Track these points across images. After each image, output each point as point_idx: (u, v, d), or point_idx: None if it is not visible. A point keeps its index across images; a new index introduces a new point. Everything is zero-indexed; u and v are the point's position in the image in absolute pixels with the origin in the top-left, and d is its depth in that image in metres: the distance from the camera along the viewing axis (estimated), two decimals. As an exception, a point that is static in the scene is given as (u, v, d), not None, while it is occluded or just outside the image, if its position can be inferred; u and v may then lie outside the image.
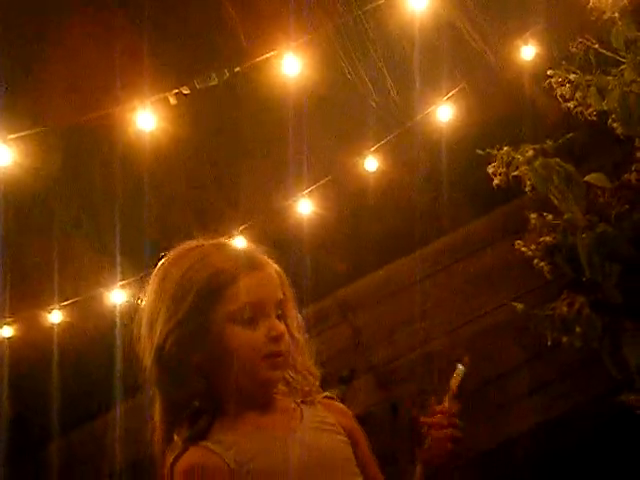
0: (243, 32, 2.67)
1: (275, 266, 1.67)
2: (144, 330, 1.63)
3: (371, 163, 3.22)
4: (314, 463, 1.61)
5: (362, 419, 4.21)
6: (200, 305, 1.57)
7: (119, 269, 3.49)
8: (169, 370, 1.58)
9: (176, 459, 1.53)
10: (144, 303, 1.65)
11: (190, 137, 2.90)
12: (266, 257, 1.67)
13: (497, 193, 2.64)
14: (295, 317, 1.70)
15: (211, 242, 1.68)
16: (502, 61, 2.99)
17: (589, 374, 3.68)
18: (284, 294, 1.66)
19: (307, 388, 1.71)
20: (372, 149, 3.17)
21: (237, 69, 2.48)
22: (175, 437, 1.58)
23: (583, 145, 2.56)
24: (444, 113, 3.12)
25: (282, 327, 1.61)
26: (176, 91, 2.49)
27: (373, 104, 2.74)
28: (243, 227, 3.24)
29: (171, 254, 1.67)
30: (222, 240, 1.71)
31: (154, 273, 1.66)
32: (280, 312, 1.64)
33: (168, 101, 2.49)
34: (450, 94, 3.06)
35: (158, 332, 1.58)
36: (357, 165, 3.20)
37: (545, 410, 4.06)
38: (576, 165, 2.52)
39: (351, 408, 4.32)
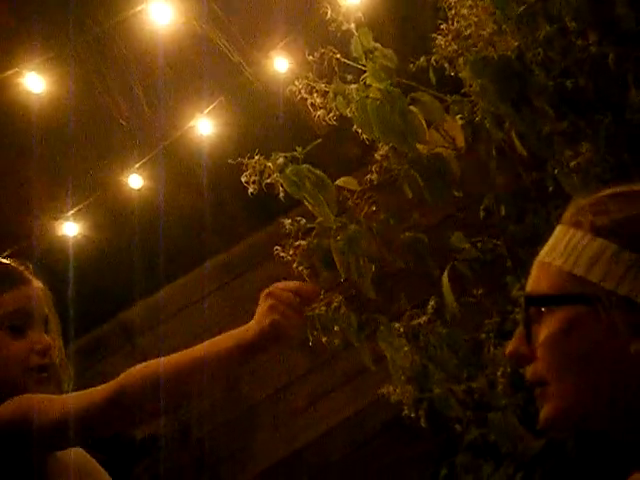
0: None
1: (39, 283, 1.65)
2: None
3: (135, 180, 3.19)
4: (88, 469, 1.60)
5: (152, 440, 4.16)
6: None
7: None
8: None
9: None
10: None
11: None
12: (30, 274, 1.65)
13: (277, 203, 2.67)
14: (58, 340, 1.68)
15: None
16: (257, 73, 3.04)
17: (369, 378, 3.80)
18: (49, 312, 1.64)
19: None
20: (136, 166, 3.14)
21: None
22: None
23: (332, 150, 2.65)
24: (205, 127, 3.14)
25: (49, 340, 1.58)
26: None
27: (123, 122, 2.72)
28: (6, 253, 3.13)
29: None
30: None
31: None
32: (48, 330, 1.61)
33: None
34: (209, 108, 3.08)
35: None
36: (121, 183, 3.16)
37: (328, 417, 4.16)
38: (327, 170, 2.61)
39: (141, 430, 4.24)
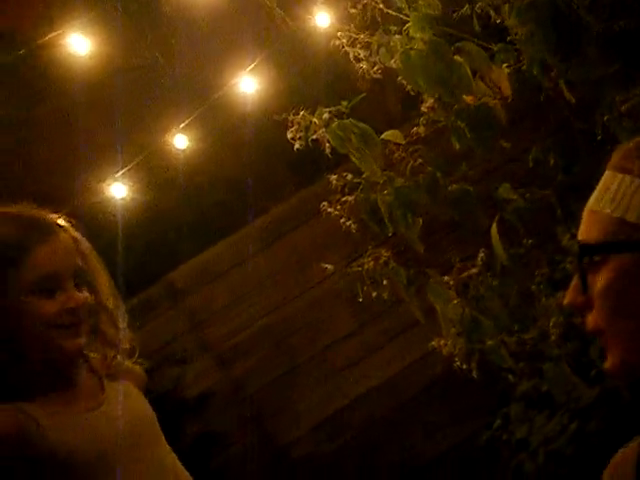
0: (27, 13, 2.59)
1: (71, 231, 1.63)
2: None
3: (180, 140, 3.18)
4: (125, 436, 1.60)
5: (204, 398, 4.21)
6: None
7: None
8: None
9: None
10: None
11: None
12: (59, 223, 1.62)
13: (323, 161, 2.66)
14: (103, 283, 1.67)
15: None
16: (300, 29, 3.01)
17: (418, 333, 3.79)
18: (84, 260, 1.63)
19: (109, 360, 1.69)
20: (180, 126, 3.13)
21: (22, 51, 2.41)
22: None
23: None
24: (248, 85, 3.12)
25: (79, 297, 1.58)
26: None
27: (168, 80, 2.71)
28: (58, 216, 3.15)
29: None
30: (10, 208, 1.63)
31: None
32: (81, 280, 1.60)
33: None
34: (252, 65, 3.06)
35: None
36: (166, 144, 3.15)
37: (378, 372, 4.17)
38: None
39: (192, 388, 4.29)
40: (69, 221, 1.65)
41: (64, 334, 1.57)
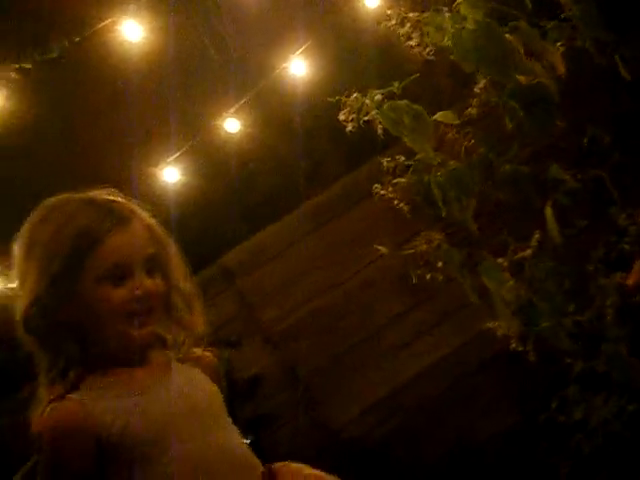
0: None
1: (145, 218, 1.62)
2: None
3: (232, 124, 3.20)
4: (183, 417, 1.61)
5: (256, 381, 4.22)
6: (68, 269, 1.54)
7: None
8: (37, 334, 1.56)
9: (44, 413, 1.51)
10: (15, 268, 1.60)
11: (42, 112, 2.83)
12: (135, 209, 1.64)
13: (373, 143, 2.65)
14: (177, 268, 1.67)
15: (77, 197, 1.60)
16: (349, 9, 3.01)
17: (470, 314, 3.77)
18: (158, 247, 1.63)
19: (181, 344, 1.70)
20: (231, 111, 3.15)
21: (77, 39, 2.44)
22: (43, 394, 1.57)
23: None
24: (298, 68, 3.13)
25: (147, 284, 1.58)
26: (17, 66, 2.43)
27: (219, 65, 2.72)
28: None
29: (37, 213, 1.60)
30: (89, 194, 1.62)
31: (21, 234, 1.62)
32: (153, 266, 1.60)
33: (9, 77, 2.43)
34: (301, 49, 3.07)
35: (26, 299, 1.55)
36: (218, 128, 3.18)
37: (430, 353, 4.16)
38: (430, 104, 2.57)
39: (243, 371, 4.31)
40: (145, 207, 1.66)
41: (133, 322, 1.58)
